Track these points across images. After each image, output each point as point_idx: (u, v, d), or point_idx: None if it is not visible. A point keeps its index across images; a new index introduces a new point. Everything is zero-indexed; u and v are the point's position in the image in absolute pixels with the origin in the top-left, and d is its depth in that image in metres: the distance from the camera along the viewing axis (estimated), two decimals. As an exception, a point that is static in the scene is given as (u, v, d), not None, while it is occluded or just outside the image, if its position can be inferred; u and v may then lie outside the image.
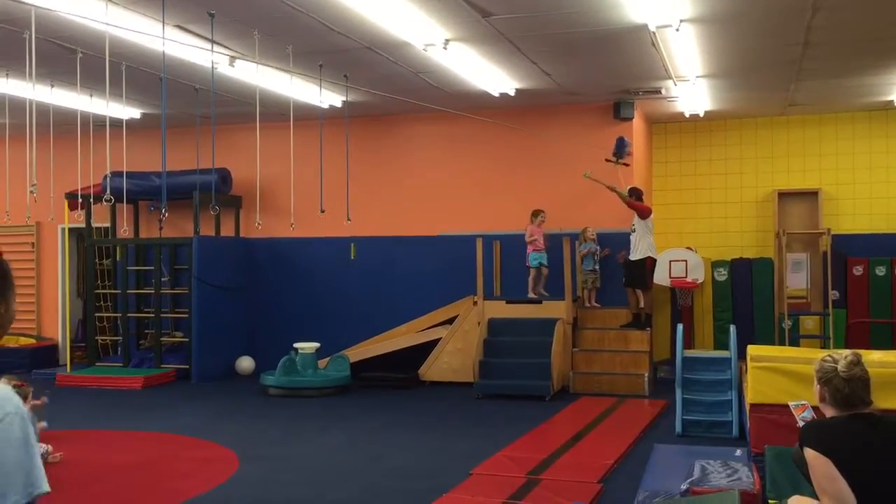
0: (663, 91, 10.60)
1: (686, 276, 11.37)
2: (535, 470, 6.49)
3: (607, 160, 10.72)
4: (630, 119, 11.26)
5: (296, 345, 10.84)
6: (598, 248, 11.01)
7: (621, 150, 10.63)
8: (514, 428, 8.11)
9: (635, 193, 10.69)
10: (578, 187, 11.16)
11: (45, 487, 1.72)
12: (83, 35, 7.75)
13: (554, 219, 11.29)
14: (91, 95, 9.83)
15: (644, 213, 10.63)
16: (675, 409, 8.05)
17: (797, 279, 11.82)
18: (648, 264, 10.72)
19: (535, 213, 10.97)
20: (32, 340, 13.42)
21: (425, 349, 11.07)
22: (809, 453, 3.07)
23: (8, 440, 1.69)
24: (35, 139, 8.06)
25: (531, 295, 10.84)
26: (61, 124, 10.25)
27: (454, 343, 10.92)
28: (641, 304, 10.72)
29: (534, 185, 11.64)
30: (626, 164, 10.86)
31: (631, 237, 10.67)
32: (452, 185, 12.00)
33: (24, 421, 1.74)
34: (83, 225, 12.64)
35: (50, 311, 13.84)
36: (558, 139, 11.39)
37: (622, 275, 10.85)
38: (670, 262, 11.47)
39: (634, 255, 10.60)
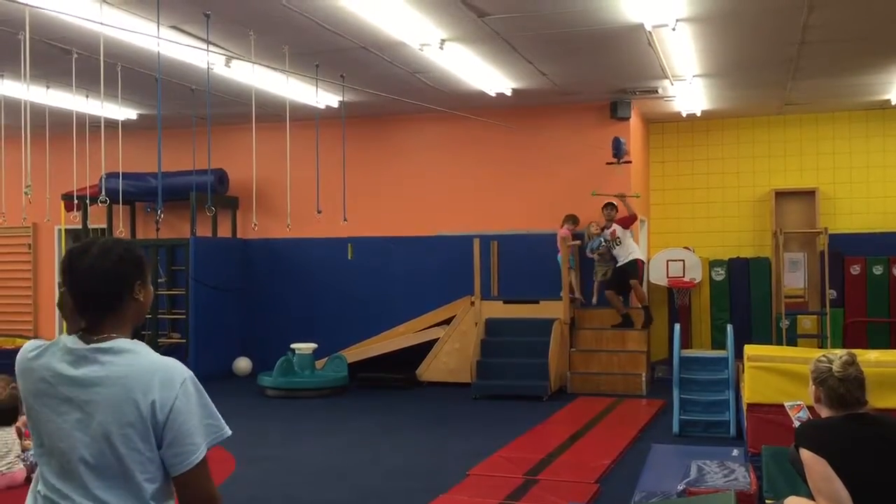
0: (660, 90, 10.60)
1: (683, 276, 11.38)
2: (532, 470, 6.48)
3: (609, 163, 10.73)
4: (627, 119, 11.26)
5: (293, 345, 10.82)
6: (607, 235, 10.71)
7: (619, 150, 10.63)
8: (511, 428, 8.10)
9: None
10: (575, 187, 11.15)
11: (228, 431, 2.06)
12: (78, 36, 7.73)
13: (551, 219, 11.30)
14: (87, 96, 9.81)
15: (632, 222, 10.72)
16: (673, 408, 8.05)
17: (794, 278, 11.83)
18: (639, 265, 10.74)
19: (566, 219, 11.01)
20: (29, 342, 13.39)
21: (423, 349, 11.06)
22: (805, 454, 3.06)
23: (189, 406, 1.99)
24: (30, 140, 8.04)
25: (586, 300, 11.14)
26: (57, 125, 10.23)
27: (452, 343, 10.90)
28: (630, 305, 10.71)
29: (531, 185, 11.63)
30: (629, 162, 10.87)
31: (614, 251, 10.63)
32: (449, 186, 11.99)
33: (195, 381, 2.03)
34: (80, 226, 12.62)
35: (47, 312, 13.81)
36: (555, 139, 11.38)
37: (610, 284, 10.79)
38: (668, 261, 11.47)
39: (626, 259, 10.57)
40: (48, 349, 2.07)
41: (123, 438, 1.96)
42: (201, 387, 2.05)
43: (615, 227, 10.60)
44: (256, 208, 10.00)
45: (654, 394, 10.03)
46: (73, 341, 2.04)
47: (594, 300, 11.05)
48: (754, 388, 5.81)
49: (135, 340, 2.08)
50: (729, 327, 8.57)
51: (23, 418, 6.91)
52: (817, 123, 12.34)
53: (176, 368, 2.03)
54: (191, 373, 2.05)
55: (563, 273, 10.61)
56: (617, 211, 10.68)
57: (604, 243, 10.67)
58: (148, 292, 2.15)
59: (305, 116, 10.60)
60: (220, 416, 2.07)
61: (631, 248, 10.59)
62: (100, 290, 2.05)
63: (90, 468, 1.97)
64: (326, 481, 6.53)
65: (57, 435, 2.01)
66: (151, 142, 9.73)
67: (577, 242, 10.99)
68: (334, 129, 11.02)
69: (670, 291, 11.90)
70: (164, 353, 2.06)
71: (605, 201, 10.75)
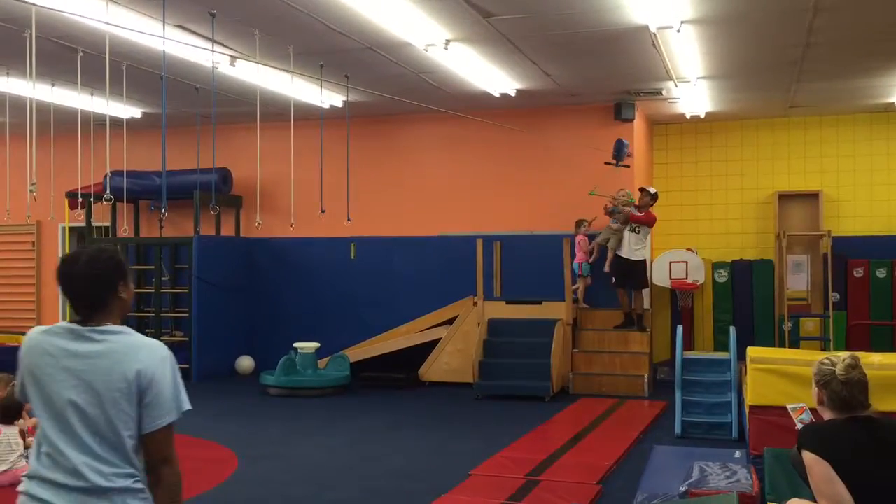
0: (664, 92, 10.60)
1: (686, 278, 11.36)
2: (534, 471, 6.48)
3: (607, 163, 10.70)
4: (631, 120, 11.25)
5: (296, 344, 10.83)
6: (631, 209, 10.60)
7: (620, 151, 10.61)
8: (513, 429, 8.11)
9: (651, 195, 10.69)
10: (579, 188, 11.15)
11: (188, 405, 2.51)
12: (84, 34, 7.75)
13: (554, 220, 11.30)
14: (92, 94, 9.83)
15: (652, 223, 10.68)
16: (675, 410, 8.04)
17: (798, 281, 11.81)
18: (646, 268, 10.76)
19: (579, 223, 10.98)
20: (32, 339, 13.40)
21: (425, 349, 11.07)
22: (807, 456, 3.06)
23: (165, 377, 2.45)
24: (35, 138, 8.06)
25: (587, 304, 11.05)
26: (62, 123, 10.25)
27: (454, 343, 10.91)
28: (634, 305, 10.71)
29: (534, 186, 11.63)
30: (627, 166, 10.85)
31: (629, 236, 10.57)
32: (453, 186, 12.00)
33: (172, 360, 2.50)
34: (83, 224, 12.63)
35: (50, 309, 13.84)
36: (559, 140, 11.38)
37: (615, 275, 10.74)
38: (671, 263, 11.46)
39: (635, 256, 10.57)
40: (52, 330, 2.51)
41: (112, 400, 2.39)
42: (176, 366, 2.52)
43: (636, 213, 10.58)
44: (260, 207, 10.01)
45: (657, 395, 10.03)
46: (72, 325, 2.49)
47: (606, 268, 10.78)
48: (757, 391, 5.80)
49: (123, 326, 2.54)
50: (731, 329, 8.56)
51: (28, 420, 6.94)
52: (821, 126, 12.33)
53: (158, 347, 2.50)
54: (170, 353, 2.51)
55: (566, 275, 10.59)
56: (650, 199, 10.63)
57: (621, 210, 10.54)
58: (129, 291, 2.60)
59: (309, 116, 10.61)
60: (185, 392, 2.53)
61: (645, 245, 10.57)
62: (89, 291, 2.51)
63: (84, 425, 2.39)
64: (328, 480, 6.54)
65: (56, 398, 2.41)
66: (156, 140, 9.75)
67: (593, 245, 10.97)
68: (338, 129, 11.03)
69: (673, 293, 11.90)
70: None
71: (640, 187, 10.82)
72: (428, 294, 11.56)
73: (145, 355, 2.45)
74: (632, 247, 10.56)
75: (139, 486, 2.44)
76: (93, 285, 2.50)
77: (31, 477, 2.44)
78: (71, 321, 2.53)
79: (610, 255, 10.76)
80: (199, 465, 6.97)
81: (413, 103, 9.92)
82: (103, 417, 2.39)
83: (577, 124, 11.49)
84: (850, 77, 9.88)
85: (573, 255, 10.87)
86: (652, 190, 10.76)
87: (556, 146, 11.42)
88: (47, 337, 2.48)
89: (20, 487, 2.47)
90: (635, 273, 10.61)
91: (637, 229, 10.55)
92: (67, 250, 13.05)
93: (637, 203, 10.64)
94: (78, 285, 2.51)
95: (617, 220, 10.71)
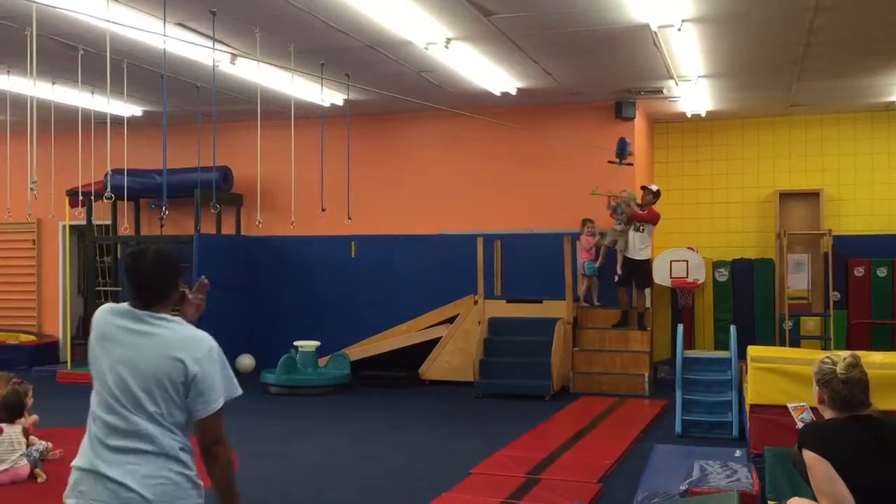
0: (665, 91, 10.59)
1: (687, 277, 11.36)
2: (534, 469, 6.49)
3: (610, 162, 10.70)
4: (632, 119, 11.25)
5: (296, 343, 10.84)
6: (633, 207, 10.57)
7: (623, 150, 10.60)
8: (513, 427, 8.11)
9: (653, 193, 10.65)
10: (579, 187, 11.14)
11: (238, 391, 2.86)
12: (85, 32, 7.74)
13: (554, 218, 11.30)
14: (92, 93, 9.83)
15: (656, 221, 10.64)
16: (675, 409, 8.05)
17: (798, 280, 11.81)
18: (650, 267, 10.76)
19: (584, 223, 10.93)
20: (33, 337, 13.42)
21: (426, 348, 11.07)
22: (808, 455, 3.06)
23: (212, 367, 2.74)
24: (36, 136, 8.05)
25: (584, 303, 10.95)
26: (62, 121, 10.25)
27: (454, 342, 10.91)
28: (636, 304, 10.69)
29: (535, 185, 11.63)
30: (630, 164, 10.84)
31: (634, 236, 10.54)
32: (454, 184, 12.00)
33: (219, 350, 2.79)
34: (84, 222, 12.62)
35: (51, 308, 13.84)
36: (560, 139, 11.37)
37: (620, 273, 10.72)
38: (671, 262, 11.46)
39: (640, 255, 10.55)
40: (116, 309, 2.83)
41: (156, 380, 2.68)
42: (223, 355, 2.80)
43: (640, 211, 10.53)
44: (261, 206, 10.01)
45: (657, 394, 10.03)
46: (133, 309, 2.78)
47: (619, 271, 10.67)
48: (757, 389, 5.80)
49: (176, 317, 2.83)
50: (732, 328, 8.56)
51: (29, 419, 6.95)
52: (822, 125, 12.33)
53: (206, 338, 2.79)
54: (216, 344, 2.79)
55: (567, 274, 10.58)
56: (653, 197, 10.60)
57: (624, 209, 10.49)
58: (184, 285, 2.94)
59: (310, 114, 10.60)
60: (235, 379, 2.84)
61: (649, 244, 10.55)
62: (153, 284, 2.80)
63: (136, 393, 2.67)
64: (329, 479, 6.54)
65: (111, 367, 2.72)
66: (156, 139, 9.75)
67: (598, 239, 10.92)
68: (339, 127, 11.02)
69: (674, 292, 11.90)
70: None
71: (642, 185, 10.80)
72: (428, 293, 11.56)
73: (193, 346, 2.73)
74: (637, 247, 10.54)
75: (172, 436, 2.71)
76: (156, 279, 2.80)
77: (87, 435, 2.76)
78: (131, 305, 2.81)
79: (620, 257, 10.66)
80: (198, 464, 6.97)
81: (414, 101, 9.91)
82: (146, 393, 2.67)
83: (578, 123, 11.48)
84: (850, 76, 9.87)
85: (574, 255, 10.86)
86: (654, 188, 10.75)
87: (556, 145, 11.41)
88: (112, 315, 2.81)
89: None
90: (640, 272, 10.60)
91: (641, 228, 10.50)
92: (68, 248, 13.05)
93: (640, 202, 10.63)
94: (143, 278, 2.80)
95: (620, 221, 10.66)
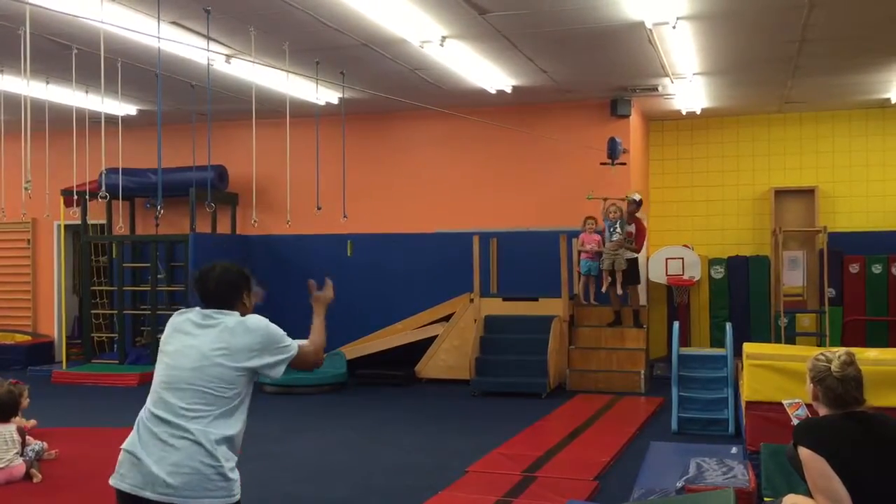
0: (660, 88, 10.60)
1: (683, 274, 11.37)
2: (530, 467, 6.49)
3: (602, 164, 10.66)
4: (627, 116, 11.25)
5: (294, 342, 10.80)
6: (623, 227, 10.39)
7: (615, 150, 10.53)
8: (510, 425, 8.11)
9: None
10: (575, 185, 11.15)
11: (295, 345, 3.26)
12: (79, 31, 7.73)
13: (550, 216, 11.30)
14: (87, 92, 9.80)
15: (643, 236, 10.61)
16: (671, 406, 8.05)
17: (793, 277, 11.83)
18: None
19: (586, 221, 10.81)
20: (28, 337, 13.39)
21: (422, 346, 11.06)
22: (803, 452, 3.07)
23: (269, 332, 3.17)
24: (30, 136, 8.03)
25: (587, 301, 10.75)
26: (57, 121, 10.22)
27: (451, 340, 10.91)
28: (630, 302, 10.66)
29: (531, 183, 11.63)
30: (623, 164, 10.81)
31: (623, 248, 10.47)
32: (449, 182, 11.99)
33: (267, 322, 3.20)
34: (79, 222, 12.59)
35: (46, 307, 13.82)
36: (555, 136, 11.37)
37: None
38: (667, 259, 11.47)
39: (627, 255, 10.54)
40: (188, 312, 3.18)
41: (217, 356, 3.01)
42: (272, 324, 3.19)
43: (630, 228, 10.43)
44: (256, 205, 10.00)
45: (653, 391, 10.04)
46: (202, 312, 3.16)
47: (604, 289, 10.53)
48: (753, 386, 5.81)
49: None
50: (728, 325, 8.57)
51: (28, 422, 6.94)
52: (817, 122, 12.35)
53: (259, 319, 3.18)
54: (266, 320, 3.18)
55: (563, 272, 10.57)
56: (636, 207, 10.47)
57: (619, 233, 10.31)
58: (251, 299, 3.31)
59: (305, 113, 10.59)
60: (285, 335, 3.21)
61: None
62: (219, 296, 3.17)
63: (193, 374, 2.99)
64: (325, 478, 6.54)
65: (176, 354, 3.05)
66: (151, 138, 9.72)
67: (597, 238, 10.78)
68: (334, 126, 11.01)
69: (669, 289, 11.91)
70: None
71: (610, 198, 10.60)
72: (424, 291, 11.56)
73: (252, 322, 3.14)
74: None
75: (211, 428, 2.98)
76: (223, 291, 3.18)
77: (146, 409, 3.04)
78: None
79: (620, 276, 10.40)
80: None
81: (410, 103, 9.90)
82: (201, 372, 2.99)
83: (574, 121, 11.48)
84: (845, 73, 9.89)
85: (570, 253, 10.84)
86: (637, 197, 10.55)
87: (552, 143, 11.41)
88: (184, 316, 3.18)
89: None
90: (628, 270, 10.53)
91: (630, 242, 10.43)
92: (63, 248, 13.03)
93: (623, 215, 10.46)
94: (210, 288, 3.17)
95: (617, 234, 10.35)
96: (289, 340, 3.21)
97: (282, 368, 3.16)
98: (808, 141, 12.39)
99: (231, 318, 3.13)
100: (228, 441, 3.05)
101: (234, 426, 3.08)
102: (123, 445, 3.05)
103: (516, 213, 11.61)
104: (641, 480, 5.96)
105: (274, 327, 3.18)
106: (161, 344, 3.18)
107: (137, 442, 2.98)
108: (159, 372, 3.10)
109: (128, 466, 2.98)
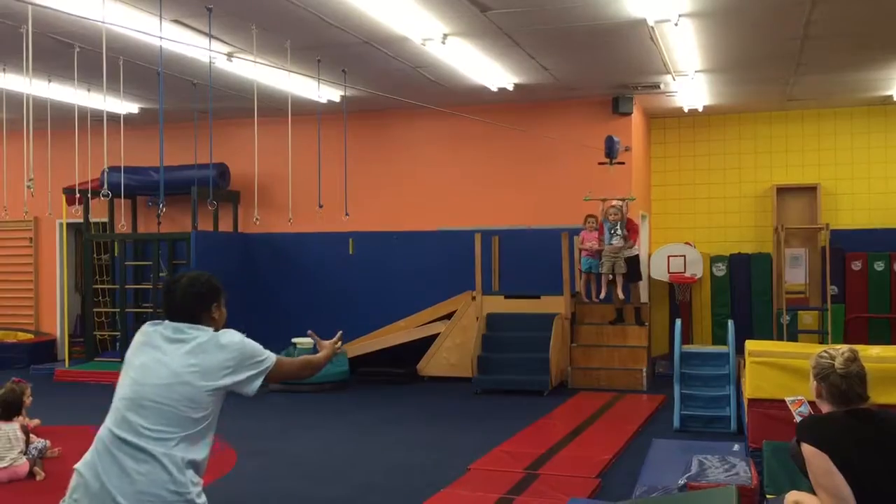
0: (662, 86, 10.59)
1: (684, 271, 11.37)
2: (533, 465, 6.49)
3: (601, 163, 10.62)
4: (629, 114, 11.24)
5: (294, 340, 10.82)
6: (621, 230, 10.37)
7: (612, 149, 10.47)
8: (512, 423, 8.12)
9: None
10: (577, 183, 11.14)
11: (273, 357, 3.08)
12: (80, 30, 7.73)
13: (552, 214, 11.29)
14: (89, 90, 9.80)
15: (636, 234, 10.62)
16: (674, 404, 8.05)
17: (795, 274, 11.83)
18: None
19: (587, 219, 10.77)
20: (31, 336, 13.42)
21: (424, 344, 11.07)
22: (806, 449, 3.06)
23: (244, 347, 2.98)
24: (32, 134, 8.04)
25: (588, 299, 10.73)
26: (59, 119, 10.23)
27: (452, 338, 10.91)
28: (631, 299, 10.63)
29: (533, 180, 11.63)
30: (622, 163, 10.77)
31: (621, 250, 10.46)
32: (451, 180, 11.99)
33: (241, 336, 3.01)
34: (81, 220, 12.61)
35: (48, 306, 13.83)
36: (557, 134, 11.36)
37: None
38: (669, 257, 11.46)
39: (632, 252, 10.54)
40: (159, 325, 3.02)
41: (187, 374, 2.85)
42: (246, 338, 3.02)
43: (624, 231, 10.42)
44: (258, 203, 10.00)
45: (655, 389, 10.04)
46: (173, 323, 3.00)
47: (602, 295, 10.56)
48: (755, 384, 5.81)
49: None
50: (730, 323, 8.56)
51: (31, 421, 6.95)
52: (819, 119, 12.33)
53: (233, 334, 2.99)
54: (241, 335, 3.00)
55: (565, 270, 10.57)
56: (628, 209, 10.47)
57: (619, 235, 10.30)
58: (222, 313, 3.12)
59: (307, 111, 10.59)
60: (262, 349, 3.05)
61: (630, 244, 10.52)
62: (186, 308, 3.00)
63: (160, 392, 2.84)
64: (327, 476, 6.54)
65: (143, 368, 2.91)
66: (153, 136, 9.70)
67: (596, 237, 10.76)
68: (336, 124, 11.01)
69: (671, 287, 11.90)
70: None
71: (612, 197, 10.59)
72: (426, 289, 11.56)
73: (225, 338, 2.97)
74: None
75: (177, 451, 2.79)
76: (188, 301, 3.00)
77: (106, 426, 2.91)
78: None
79: (620, 280, 10.39)
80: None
81: (411, 102, 9.89)
82: (171, 391, 2.84)
83: (575, 118, 11.48)
84: (847, 70, 9.88)
85: (572, 250, 10.83)
86: (633, 197, 10.57)
87: (554, 140, 11.40)
88: (155, 328, 3.02)
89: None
90: (629, 267, 10.52)
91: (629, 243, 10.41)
92: (65, 246, 13.04)
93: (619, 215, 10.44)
94: (177, 300, 3.01)
95: (617, 235, 10.33)
96: (265, 354, 3.04)
97: (257, 383, 2.99)
98: (810, 138, 12.38)
99: (204, 334, 2.95)
100: (195, 465, 2.84)
101: (201, 451, 2.87)
102: (78, 466, 2.86)
103: (518, 211, 11.60)
104: (643, 478, 5.96)
105: (249, 342, 3.01)
106: (128, 354, 3.02)
107: (98, 464, 2.80)
108: (123, 386, 2.93)
109: (82, 492, 2.81)
